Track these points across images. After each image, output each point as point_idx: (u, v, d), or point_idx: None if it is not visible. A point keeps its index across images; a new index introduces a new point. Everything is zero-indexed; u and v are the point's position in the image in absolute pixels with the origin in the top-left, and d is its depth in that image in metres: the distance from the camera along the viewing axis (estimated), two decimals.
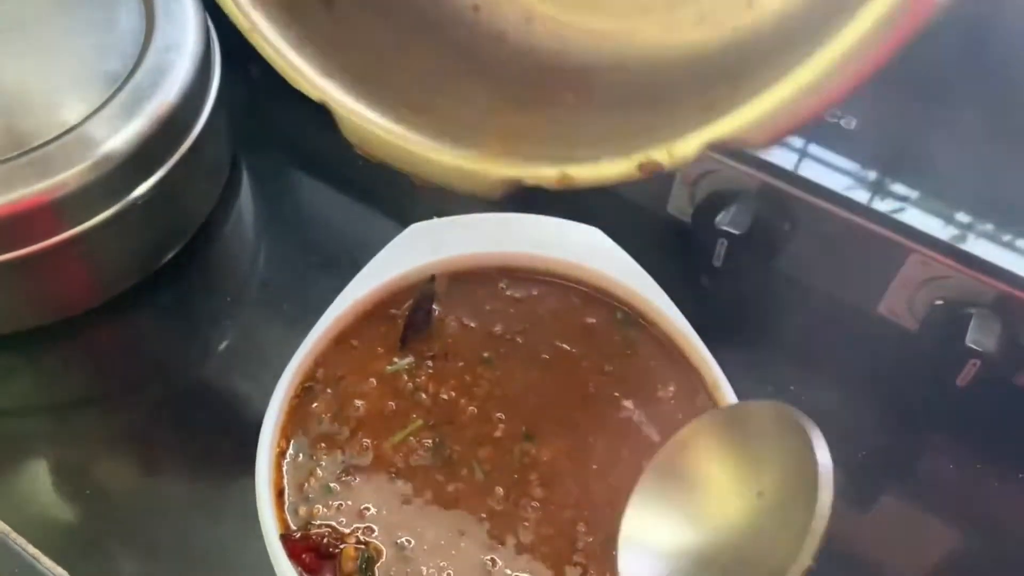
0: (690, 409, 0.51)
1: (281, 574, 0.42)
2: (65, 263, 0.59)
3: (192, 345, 0.64)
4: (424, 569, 0.44)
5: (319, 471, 0.47)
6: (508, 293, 0.55)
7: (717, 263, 0.60)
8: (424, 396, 0.50)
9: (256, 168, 0.74)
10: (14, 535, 0.52)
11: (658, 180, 0.64)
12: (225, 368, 0.63)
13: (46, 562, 0.52)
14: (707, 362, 0.51)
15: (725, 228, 0.58)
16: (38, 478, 0.57)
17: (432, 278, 0.53)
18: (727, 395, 0.50)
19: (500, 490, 0.47)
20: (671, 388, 0.51)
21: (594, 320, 0.54)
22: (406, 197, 0.61)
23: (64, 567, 0.51)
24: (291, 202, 0.74)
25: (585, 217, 0.58)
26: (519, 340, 0.53)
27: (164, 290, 0.65)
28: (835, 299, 0.63)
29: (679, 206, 0.65)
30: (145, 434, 0.59)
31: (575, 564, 0.45)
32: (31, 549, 0.52)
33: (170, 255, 0.65)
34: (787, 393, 0.63)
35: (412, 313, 0.52)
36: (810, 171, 0.59)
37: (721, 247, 0.58)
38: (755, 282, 0.62)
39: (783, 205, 0.59)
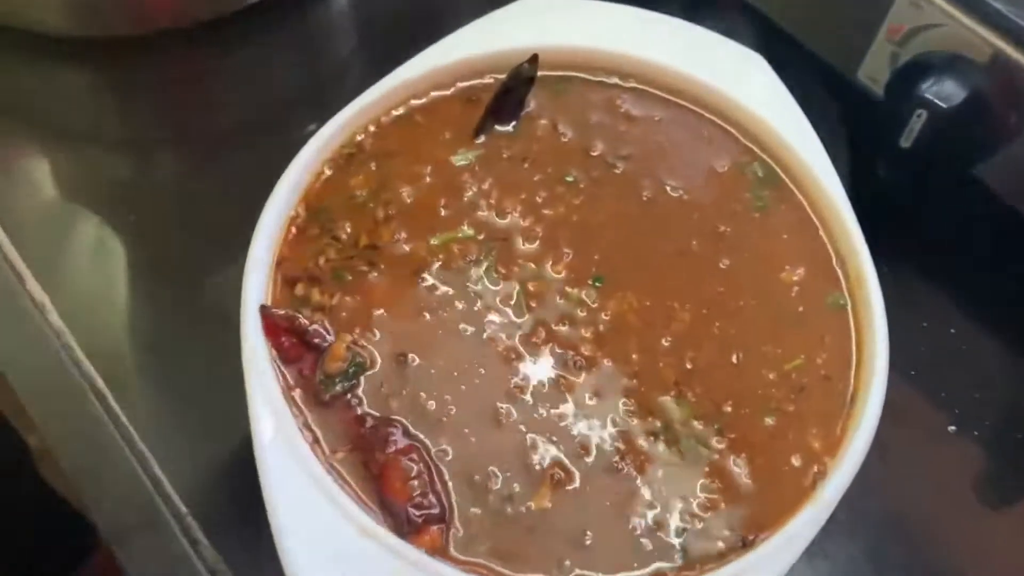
0: (814, 305, 0.38)
1: (248, 351, 0.34)
2: None
3: (263, 88, 0.56)
4: (422, 395, 0.35)
5: (333, 252, 0.38)
6: (624, 108, 0.43)
7: (906, 143, 0.46)
8: (484, 204, 0.40)
9: None
10: None
11: (854, 33, 0.50)
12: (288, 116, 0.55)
13: None
14: (857, 255, 0.39)
15: (929, 97, 0.43)
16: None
17: (534, 57, 0.42)
18: (871, 304, 0.37)
19: (542, 333, 0.37)
20: (799, 272, 0.39)
21: (725, 166, 0.42)
22: None
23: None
24: None
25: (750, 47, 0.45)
26: (619, 167, 0.41)
27: (252, 28, 0.57)
28: None
29: (873, 72, 0.50)
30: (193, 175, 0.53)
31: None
32: None
33: None
34: (947, 337, 0.49)
35: (500, 95, 0.41)
36: None
37: (917, 121, 0.44)
38: (945, 180, 0.48)
39: (1018, 88, 0.44)
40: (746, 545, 0.33)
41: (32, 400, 0.43)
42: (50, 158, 0.53)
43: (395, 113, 0.42)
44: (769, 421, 0.36)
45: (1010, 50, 0.43)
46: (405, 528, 0.32)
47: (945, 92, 0.44)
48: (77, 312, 0.46)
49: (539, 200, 0.40)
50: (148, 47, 0.55)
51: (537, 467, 0.34)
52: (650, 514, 0.33)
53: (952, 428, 0.47)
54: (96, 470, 0.41)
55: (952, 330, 0.50)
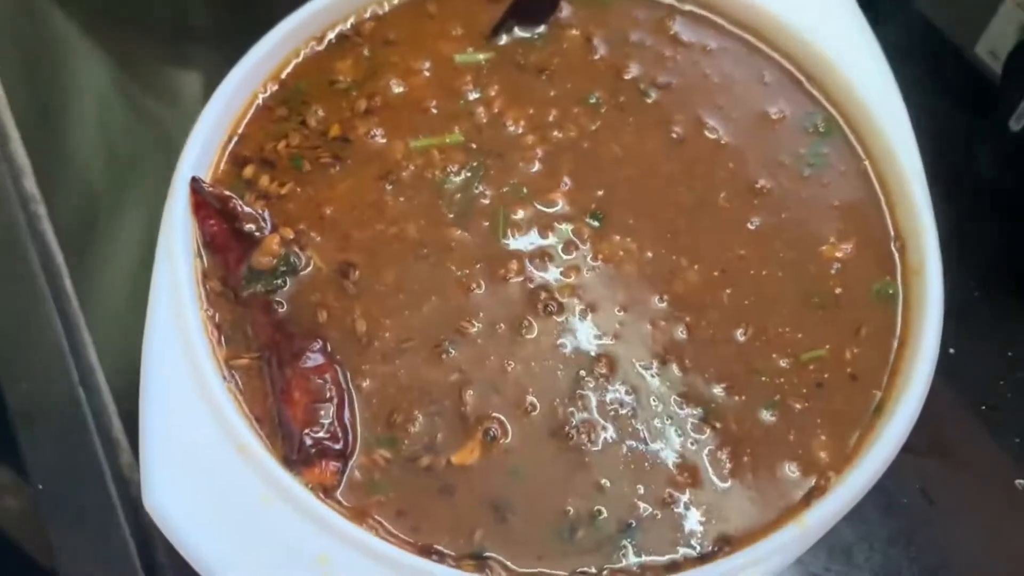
0: (856, 290, 0.31)
1: (166, 225, 0.30)
2: None
3: None
4: (356, 311, 0.30)
5: (297, 138, 0.33)
6: (675, 31, 0.37)
7: (1016, 126, 0.37)
8: (482, 112, 0.34)
9: None
10: None
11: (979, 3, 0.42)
12: None
13: None
14: (922, 236, 0.31)
15: None
16: None
17: None
18: (928, 300, 0.30)
19: (514, 266, 0.31)
20: (845, 247, 0.32)
21: (782, 113, 0.35)
22: None
23: None
24: None
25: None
26: (652, 96, 0.35)
27: None
28: None
29: (995, 46, 0.42)
30: None
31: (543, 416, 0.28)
32: None
33: None
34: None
35: None
36: None
37: None
38: None
39: None
40: (703, 559, 0.26)
41: None
42: None
43: None
44: (768, 416, 0.29)
45: None
46: (295, 456, 0.27)
47: None
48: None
49: (550, 119, 0.34)
50: None
51: (471, 417, 0.28)
52: (595, 498, 0.27)
53: (1021, 483, 0.39)
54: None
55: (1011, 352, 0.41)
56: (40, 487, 0.34)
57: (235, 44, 0.34)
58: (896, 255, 0.32)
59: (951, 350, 0.40)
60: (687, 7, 0.37)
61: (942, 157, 0.38)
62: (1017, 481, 0.39)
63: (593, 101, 0.35)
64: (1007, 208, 0.42)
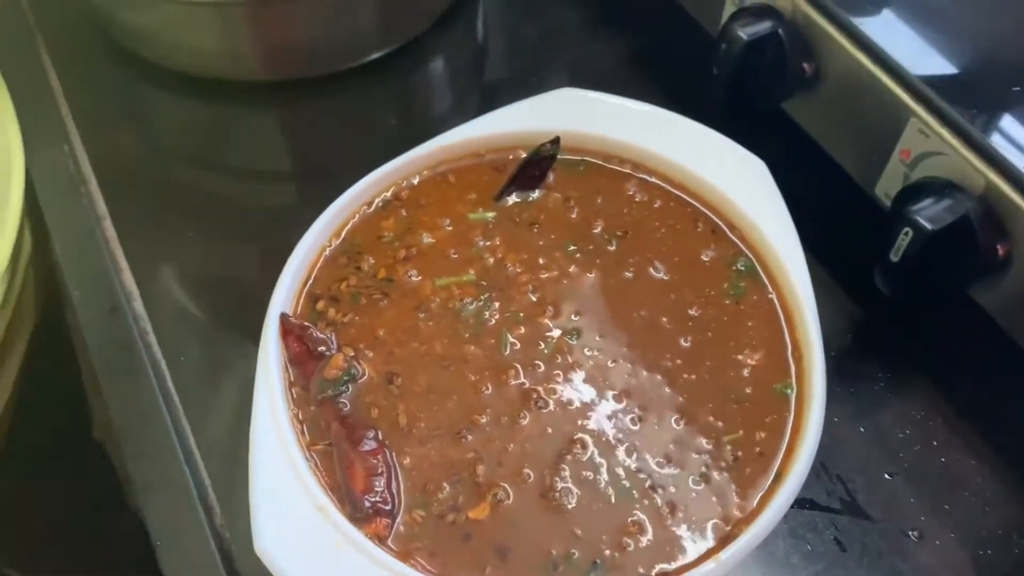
0: (763, 389, 0.42)
1: (263, 347, 0.41)
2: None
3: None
4: (400, 408, 0.41)
5: (354, 278, 0.45)
6: (630, 192, 0.49)
7: (895, 258, 0.49)
8: (489, 258, 0.46)
9: None
10: None
11: (874, 152, 0.54)
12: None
13: None
14: (812, 350, 0.43)
15: (916, 218, 0.47)
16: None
17: (556, 139, 0.48)
18: (814, 396, 0.41)
19: (514, 373, 0.42)
20: (756, 357, 0.43)
21: (710, 256, 0.47)
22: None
23: None
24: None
25: (777, 155, 0.50)
26: (613, 245, 0.47)
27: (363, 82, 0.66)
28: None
29: (888, 189, 0.54)
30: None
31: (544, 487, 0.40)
32: None
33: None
34: (930, 448, 0.52)
35: (523, 168, 0.48)
36: None
37: (904, 239, 0.48)
38: (923, 306, 0.51)
39: (1004, 219, 0.47)
40: None
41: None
42: None
43: (431, 172, 0.49)
44: (697, 483, 0.40)
45: (1001, 183, 0.47)
46: (358, 515, 0.38)
47: (934, 215, 0.47)
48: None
49: (539, 262, 0.46)
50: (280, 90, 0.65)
51: (483, 484, 0.39)
52: (571, 542, 0.38)
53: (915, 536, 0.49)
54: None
55: (935, 442, 0.52)
56: (158, 543, 0.46)
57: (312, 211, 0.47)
58: (792, 363, 0.43)
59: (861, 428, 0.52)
60: (640, 175, 0.49)
61: (839, 278, 0.50)
62: (909, 532, 0.49)
63: (571, 248, 0.47)
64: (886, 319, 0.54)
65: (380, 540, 0.38)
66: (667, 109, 0.51)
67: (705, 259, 0.47)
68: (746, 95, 0.57)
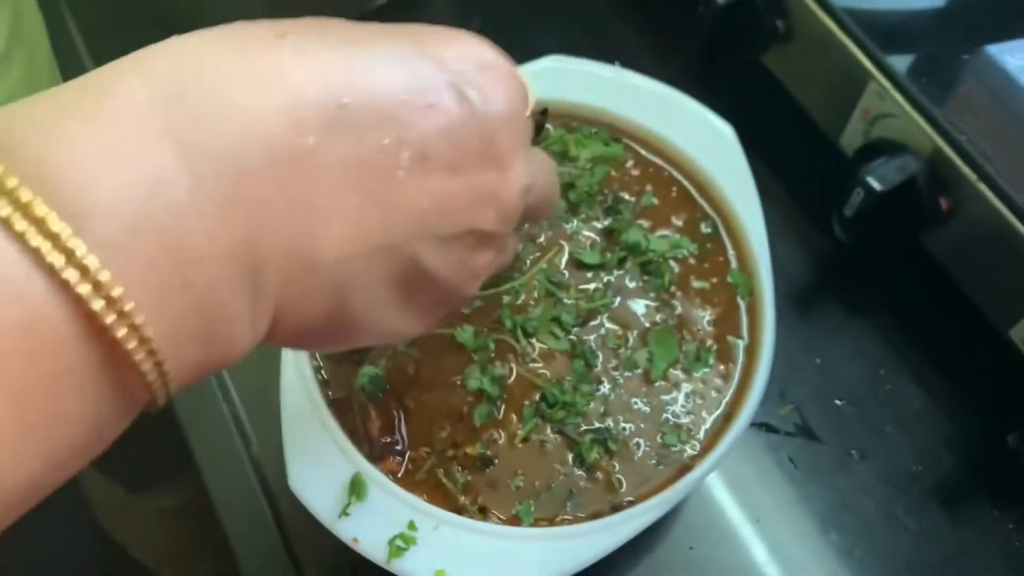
0: (720, 345, 0.49)
1: None
2: None
3: None
4: (410, 360, 0.48)
5: None
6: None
7: (848, 213, 0.54)
8: None
9: None
10: None
11: (840, 106, 0.58)
12: None
13: None
14: (763, 315, 0.49)
15: (867, 178, 0.52)
16: None
17: (544, 111, 0.53)
18: (761, 362, 0.47)
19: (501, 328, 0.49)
20: (716, 312, 0.50)
21: (683, 219, 0.52)
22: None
23: None
24: None
25: (746, 109, 0.55)
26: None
27: None
28: (968, 315, 0.55)
29: (851, 141, 0.59)
30: None
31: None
32: None
33: None
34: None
35: None
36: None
37: (857, 197, 0.53)
38: (876, 251, 0.56)
39: (947, 180, 0.52)
40: (615, 510, 0.45)
41: None
42: None
43: None
44: (661, 427, 0.47)
45: (945, 147, 0.51)
46: (375, 454, 0.46)
47: (883, 175, 0.52)
48: None
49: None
50: None
51: (477, 427, 0.47)
52: (550, 476, 0.46)
53: (856, 453, 0.56)
54: None
55: (881, 371, 0.59)
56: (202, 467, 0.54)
57: None
58: (746, 317, 0.49)
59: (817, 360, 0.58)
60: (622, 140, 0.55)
61: (799, 223, 0.55)
62: (852, 451, 0.57)
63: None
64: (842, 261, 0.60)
65: (394, 475, 0.45)
66: (639, 70, 0.56)
67: (678, 222, 0.52)
68: (725, 48, 0.61)
